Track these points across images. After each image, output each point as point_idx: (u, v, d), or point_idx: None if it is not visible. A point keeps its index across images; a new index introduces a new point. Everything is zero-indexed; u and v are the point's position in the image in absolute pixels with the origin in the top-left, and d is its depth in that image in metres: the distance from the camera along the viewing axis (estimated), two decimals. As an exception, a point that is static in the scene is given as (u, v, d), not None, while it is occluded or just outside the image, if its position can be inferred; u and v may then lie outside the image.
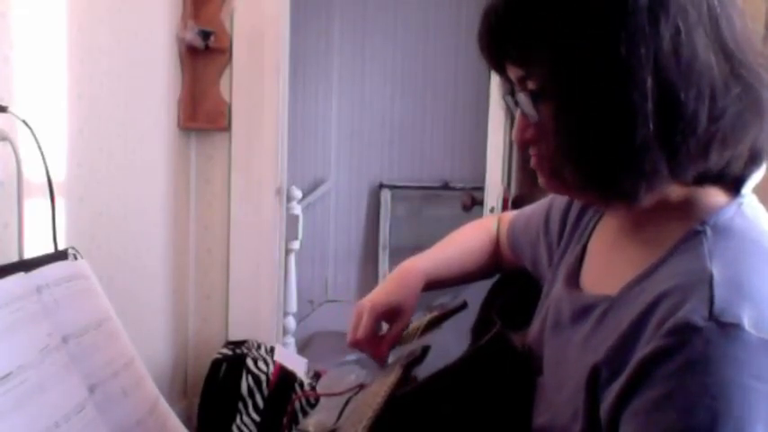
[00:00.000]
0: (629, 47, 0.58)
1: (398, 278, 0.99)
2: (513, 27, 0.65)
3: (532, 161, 0.70)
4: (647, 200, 0.63)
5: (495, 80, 0.76)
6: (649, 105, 0.58)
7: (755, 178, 0.67)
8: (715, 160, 0.62)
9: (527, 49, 0.64)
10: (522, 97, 0.66)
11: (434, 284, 1.02)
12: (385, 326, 1.00)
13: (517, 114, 0.69)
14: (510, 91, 0.70)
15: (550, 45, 0.62)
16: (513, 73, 0.68)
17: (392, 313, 0.97)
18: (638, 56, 0.58)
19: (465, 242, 1.07)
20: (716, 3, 0.61)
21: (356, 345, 0.97)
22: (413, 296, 0.98)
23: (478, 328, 0.90)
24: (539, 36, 0.62)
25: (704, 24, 0.60)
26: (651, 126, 0.58)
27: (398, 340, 0.99)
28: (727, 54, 0.61)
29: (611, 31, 0.59)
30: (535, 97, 0.65)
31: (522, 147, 0.71)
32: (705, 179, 0.64)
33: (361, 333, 0.95)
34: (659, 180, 0.61)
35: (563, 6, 0.61)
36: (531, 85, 0.65)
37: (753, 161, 0.65)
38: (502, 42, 0.67)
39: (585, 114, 0.61)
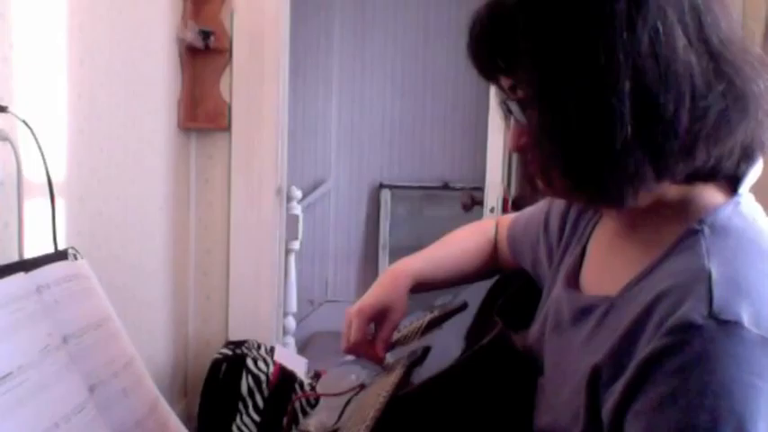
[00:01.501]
0: (608, 54, 0.59)
1: (386, 280, 1.00)
2: (496, 39, 0.66)
3: (530, 167, 0.71)
4: (635, 202, 0.63)
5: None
6: (627, 109, 0.58)
7: (752, 177, 0.67)
8: (703, 158, 0.62)
9: (512, 59, 0.65)
10: (513, 105, 0.68)
11: (426, 285, 1.03)
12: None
13: (511, 122, 0.70)
14: (503, 99, 0.71)
15: (532, 55, 0.63)
16: (504, 81, 0.69)
17: (381, 314, 0.97)
18: (617, 62, 0.58)
19: (460, 244, 1.08)
20: (699, 1, 0.61)
21: (351, 351, 0.98)
22: (401, 297, 0.98)
23: (477, 330, 0.90)
24: (522, 47, 0.63)
25: (684, 24, 0.60)
26: (629, 129, 0.59)
27: (391, 339, 1.00)
28: (711, 52, 0.61)
29: (590, 39, 0.59)
30: (523, 105, 0.66)
31: (518, 153, 0.72)
32: (696, 177, 0.64)
33: (353, 338, 0.96)
34: (645, 182, 0.62)
35: (543, 17, 0.61)
36: (519, 93, 0.67)
37: (746, 157, 0.65)
38: (488, 53, 0.68)
39: (567, 121, 0.61)
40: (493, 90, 0.75)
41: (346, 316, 0.98)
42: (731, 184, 0.66)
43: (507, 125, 0.74)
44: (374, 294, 0.98)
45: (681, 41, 0.59)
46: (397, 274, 1.00)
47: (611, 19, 0.59)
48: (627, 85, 0.58)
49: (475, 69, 0.72)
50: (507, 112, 0.70)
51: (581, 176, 0.63)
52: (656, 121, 0.59)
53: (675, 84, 0.59)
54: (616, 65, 0.58)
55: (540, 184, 0.71)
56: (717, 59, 0.61)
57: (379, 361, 0.98)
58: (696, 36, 0.60)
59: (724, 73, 0.61)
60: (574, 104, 0.61)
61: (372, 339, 0.98)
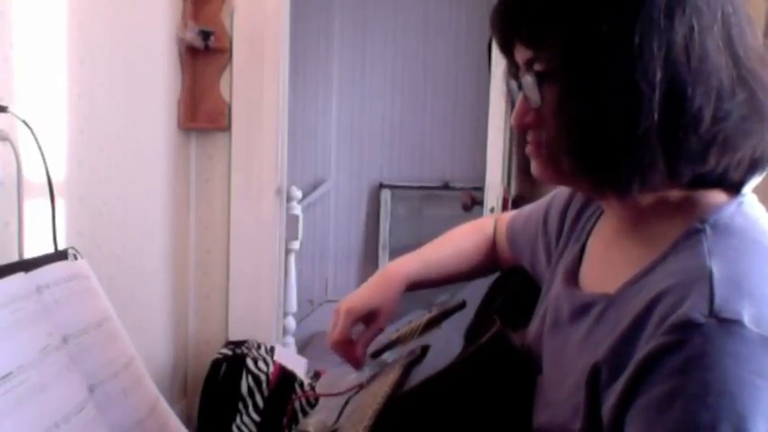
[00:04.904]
0: (643, 38, 0.59)
1: (379, 281, 0.99)
2: (528, 6, 0.65)
3: (529, 147, 0.71)
4: (640, 195, 0.64)
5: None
6: (657, 97, 0.58)
7: (755, 179, 0.67)
8: (713, 164, 0.62)
9: (539, 30, 0.64)
10: (527, 80, 0.66)
11: (422, 284, 1.02)
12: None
13: (518, 98, 0.69)
14: (515, 74, 0.70)
15: (564, 28, 0.62)
16: (521, 55, 0.68)
17: (368, 316, 0.97)
18: (650, 47, 0.58)
19: (457, 243, 1.07)
20: (730, 10, 0.62)
21: (332, 347, 0.97)
22: (391, 299, 0.98)
23: (476, 328, 0.90)
24: (553, 18, 0.63)
25: (717, 28, 0.61)
26: (656, 117, 0.59)
27: (371, 343, 0.99)
28: (735, 60, 0.61)
29: (627, 20, 0.59)
30: (541, 79, 0.65)
31: (520, 131, 0.71)
32: (701, 183, 0.64)
33: (335, 336, 0.96)
34: (654, 176, 0.61)
35: None
36: (538, 67, 0.65)
37: (753, 169, 0.65)
38: (515, 21, 0.67)
39: (591, 100, 0.61)
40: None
41: (334, 311, 0.98)
42: (734, 186, 0.66)
43: (509, 106, 0.73)
44: (365, 295, 0.98)
45: (713, 42, 0.60)
46: (390, 276, 1.00)
47: (650, 3, 0.59)
48: (659, 73, 0.58)
49: (494, 38, 0.70)
50: (517, 88, 0.69)
51: (593, 159, 0.63)
52: (681, 114, 0.59)
53: (705, 80, 0.59)
54: (649, 50, 0.58)
55: (537, 167, 0.70)
56: (740, 68, 0.61)
57: (357, 363, 0.97)
58: (725, 42, 0.61)
59: (747, 82, 0.61)
60: (600, 83, 0.60)
61: (353, 340, 0.97)
